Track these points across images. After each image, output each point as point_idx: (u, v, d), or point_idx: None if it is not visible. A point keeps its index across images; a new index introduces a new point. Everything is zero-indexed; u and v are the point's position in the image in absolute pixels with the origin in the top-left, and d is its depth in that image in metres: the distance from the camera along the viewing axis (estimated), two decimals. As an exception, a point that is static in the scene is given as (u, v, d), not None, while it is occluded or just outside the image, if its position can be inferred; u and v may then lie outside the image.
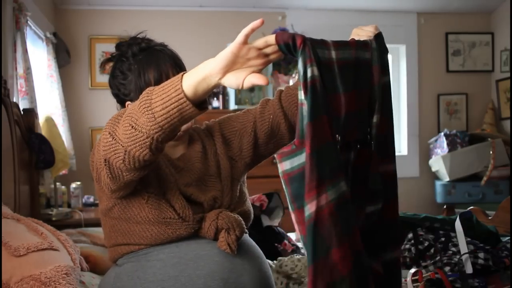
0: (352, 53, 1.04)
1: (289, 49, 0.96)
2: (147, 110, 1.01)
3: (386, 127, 1.07)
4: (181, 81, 1.01)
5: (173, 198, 1.25)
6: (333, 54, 1.02)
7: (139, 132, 1.03)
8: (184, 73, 1.03)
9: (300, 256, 1.86)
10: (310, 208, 0.88)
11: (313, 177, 0.88)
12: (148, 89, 1.05)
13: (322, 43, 1.00)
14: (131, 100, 1.34)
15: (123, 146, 1.06)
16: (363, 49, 1.06)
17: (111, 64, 1.40)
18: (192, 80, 1.01)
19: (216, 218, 1.26)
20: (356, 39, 1.12)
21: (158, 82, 1.29)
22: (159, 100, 1.01)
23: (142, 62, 1.31)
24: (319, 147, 0.89)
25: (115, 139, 1.07)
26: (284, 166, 0.94)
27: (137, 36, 1.38)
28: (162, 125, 1.01)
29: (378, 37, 1.11)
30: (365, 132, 1.05)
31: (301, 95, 0.93)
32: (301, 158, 0.92)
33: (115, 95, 1.38)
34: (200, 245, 1.25)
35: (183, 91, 1.00)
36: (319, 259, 0.88)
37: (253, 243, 1.36)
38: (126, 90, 1.33)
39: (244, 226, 1.30)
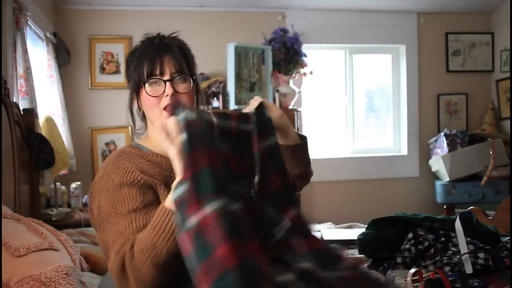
0: (233, 123, 1.15)
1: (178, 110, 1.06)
2: (153, 265, 1.08)
3: (278, 182, 1.16)
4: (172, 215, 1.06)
5: None
6: (214, 119, 1.12)
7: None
8: (166, 207, 1.08)
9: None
10: (192, 220, 0.92)
11: (194, 196, 0.95)
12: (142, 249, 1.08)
13: (204, 111, 1.13)
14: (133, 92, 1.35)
15: None
16: (245, 122, 1.17)
17: None
18: None
19: None
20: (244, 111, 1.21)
21: (149, 74, 1.28)
22: (165, 248, 1.07)
23: (142, 55, 1.30)
24: (198, 172, 0.97)
25: None
26: (173, 195, 1.00)
27: (163, 35, 1.36)
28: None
29: (258, 108, 1.20)
30: (250, 191, 1.14)
31: (181, 136, 1.02)
32: (186, 187, 0.97)
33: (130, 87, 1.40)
34: None
35: None
36: (203, 263, 0.88)
37: None
38: (128, 82, 1.36)
39: None
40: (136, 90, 1.32)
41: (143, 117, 1.40)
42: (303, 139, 1.41)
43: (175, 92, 1.29)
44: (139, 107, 1.35)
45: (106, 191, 1.23)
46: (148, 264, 1.07)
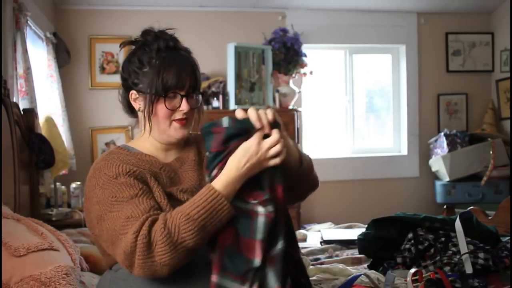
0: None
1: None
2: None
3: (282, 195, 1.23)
4: (223, 197, 1.15)
5: None
6: None
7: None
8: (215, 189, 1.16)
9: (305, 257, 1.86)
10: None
11: None
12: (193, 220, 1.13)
13: None
14: (139, 91, 1.32)
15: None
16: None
17: (131, 47, 1.37)
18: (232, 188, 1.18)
19: None
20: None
21: (174, 86, 1.28)
22: (214, 224, 1.15)
23: (165, 61, 1.29)
24: None
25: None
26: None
27: (166, 31, 1.35)
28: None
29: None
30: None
31: None
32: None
33: (123, 79, 1.36)
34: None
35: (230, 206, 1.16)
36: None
37: None
38: (138, 80, 1.32)
39: None
40: (154, 97, 1.30)
41: (140, 118, 1.39)
42: (303, 162, 1.38)
43: (189, 109, 1.31)
44: (149, 112, 1.32)
45: (102, 185, 1.23)
46: (189, 235, 1.11)
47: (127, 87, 1.36)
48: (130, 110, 1.41)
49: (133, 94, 1.34)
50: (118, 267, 1.29)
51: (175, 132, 1.33)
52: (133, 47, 1.36)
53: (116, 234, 1.16)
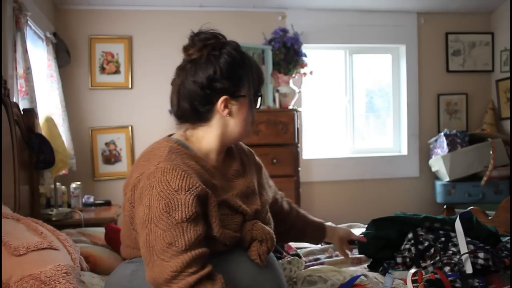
0: None
1: None
2: None
3: None
4: None
5: (218, 232, 1.24)
6: None
7: None
8: None
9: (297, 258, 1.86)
10: None
11: None
12: None
13: None
14: (235, 96, 1.32)
15: None
16: None
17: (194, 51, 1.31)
18: None
19: (251, 229, 1.30)
20: None
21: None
22: None
23: (255, 67, 1.36)
24: None
25: None
26: None
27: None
28: None
29: None
30: None
31: None
32: None
33: (212, 86, 1.30)
34: (229, 252, 1.28)
35: None
36: None
37: (271, 253, 1.39)
38: (235, 84, 1.32)
39: (275, 240, 1.34)
40: (253, 98, 1.37)
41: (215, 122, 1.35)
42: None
43: None
44: (230, 113, 1.33)
45: (160, 191, 1.18)
46: None
47: (213, 93, 1.30)
48: (197, 116, 1.33)
49: (225, 99, 1.30)
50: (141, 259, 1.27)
51: (250, 134, 1.41)
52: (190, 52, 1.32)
53: (152, 252, 1.16)
